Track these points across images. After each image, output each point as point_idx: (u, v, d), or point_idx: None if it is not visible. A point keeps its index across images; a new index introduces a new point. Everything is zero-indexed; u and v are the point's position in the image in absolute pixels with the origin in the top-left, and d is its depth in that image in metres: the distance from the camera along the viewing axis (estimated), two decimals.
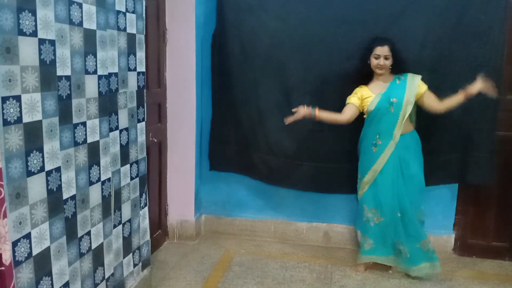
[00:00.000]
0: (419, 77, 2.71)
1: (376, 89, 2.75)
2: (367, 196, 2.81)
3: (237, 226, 3.43)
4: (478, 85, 2.54)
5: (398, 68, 2.73)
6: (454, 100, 2.63)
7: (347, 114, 2.75)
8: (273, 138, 3.14)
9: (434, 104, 2.70)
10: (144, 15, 2.31)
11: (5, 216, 1.40)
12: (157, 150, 3.09)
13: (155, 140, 3.01)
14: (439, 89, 2.87)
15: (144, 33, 2.32)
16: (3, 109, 1.39)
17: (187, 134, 3.20)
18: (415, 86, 2.68)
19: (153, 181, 3.05)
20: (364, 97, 2.76)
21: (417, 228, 2.76)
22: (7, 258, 1.42)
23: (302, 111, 2.67)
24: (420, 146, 2.81)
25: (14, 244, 1.47)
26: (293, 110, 2.70)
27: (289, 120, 2.69)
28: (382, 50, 2.66)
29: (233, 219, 3.43)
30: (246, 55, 3.07)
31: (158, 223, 3.21)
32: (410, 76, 2.72)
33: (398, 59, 2.71)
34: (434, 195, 3.10)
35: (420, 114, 2.85)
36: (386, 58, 2.67)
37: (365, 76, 2.80)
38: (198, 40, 3.12)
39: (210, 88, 3.28)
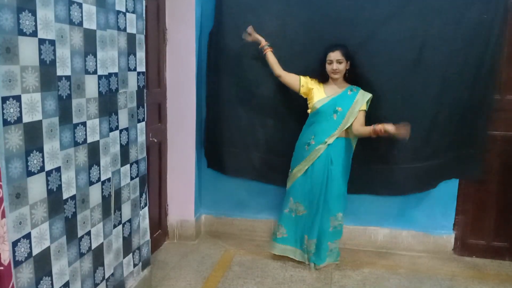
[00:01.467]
0: (368, 96, 2.80)
1: (329, 91, 2.86)
2: (294, 189, 2.93)
3: (237, 226, 3.43)
4: (389, 128, 2.57)
5: (354, 74, 2.83)
6: (365, 131, 2.72)
7: (287, 75, 2.88)
8: (272, 138, 3.14)
9: (356, 125, 2.78)
10: (144, 15, 2.31)
11: (3, 216, 1.40)
12: (157, 150, 3.09)
13: (155, 140, 3.01)
14: (440, 89, 2.88)
15: (144, 33, 2.32)
16: (3, 109, 1.39)
17: (187, 134, 3.20)
18: (362, 103, 2.78)
19: (153, 181, 3.05)
20: (312, 89, 2.85)
21: (327, 229, 2.88)
22: (5, 258, 1.42)
23: (256, 36, 2.87)
24: (349, 153, 2.90)
25: (14, 244, 1.47)
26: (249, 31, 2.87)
27: (246, 36, 2.88)
28: (334, 55, 2.76)
29: (233, 219, 3.43)
30: (245, 55, 3.06)
31: (158, 223, 3.21)
32: (361, 92, 2.82)
33: (352, 64, 2.81)
34: (434, 195, 3.11)
35: (418, 114, 2.88)
36: (339, 62, 2.77)
37: (320, 76, 2.89)
38: (198, 40, 3.12)
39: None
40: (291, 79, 2.88)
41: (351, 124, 2.79)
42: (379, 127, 2.61)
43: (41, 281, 1.61)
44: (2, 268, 1.41)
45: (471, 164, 2.99)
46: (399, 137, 2.61)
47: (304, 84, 2.87)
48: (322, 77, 2.88)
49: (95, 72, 1.87)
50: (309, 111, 2.90)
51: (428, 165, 2.96)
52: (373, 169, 3.02)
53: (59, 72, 1.65)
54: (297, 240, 2.99)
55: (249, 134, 3.17)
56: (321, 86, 2.88)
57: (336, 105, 2.80)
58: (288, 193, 2.99)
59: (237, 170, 3.26)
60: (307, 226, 2.93)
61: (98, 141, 1.93)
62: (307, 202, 2.91)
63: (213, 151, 3.31)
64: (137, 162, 2.33)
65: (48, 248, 1.64)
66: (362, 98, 2.79)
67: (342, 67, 2.78)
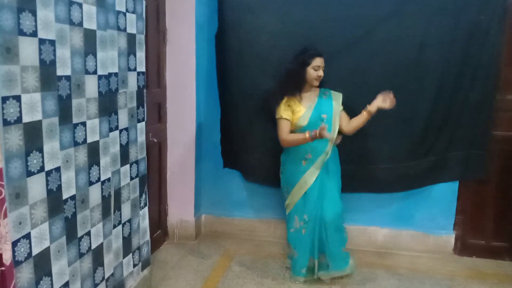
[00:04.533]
0: (340, 95, 2.71)
1: (306, 102, 2.66)
2: (299, 207, 2.70)
3: (237, 226, 3.43)
4: (376, 102, 2.53)
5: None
6: (360, 120, 2.60)
7: (288, 134, 2.63)
8: (272, 138, 3.13)
9: (344, 124, 2.67)
10: (144, 15, 2.31)
11: (5, 216, 1.40)
12: (157, 150, 3.09)
13: (155, 140, 3.01)
14: (438, 89, 2.88)
15: (144, 33, 2.32)
16: (3, 109, 1.39)
17: (187, 134, 3.21)
18: (339, 103, 2.67)
19: (153, 181, 3.05)
20: (295, 111, 2.63)
21: (342, 233, 2.74)
22: (7, 258, 1.42)
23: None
24: (338, 155, 2.78)
25: (14, 244, 1.47)
26: None
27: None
28: (321, 61, 2.60)
29: (233, 219, 3.43)
30: (246, 55, 3.06)
31: (158, 223, 3.22)
32: (334, 92, 2.71)
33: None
34: (434, 195, 3.11)
35: (414, 113, 2.90)
36: (323, 69, 2.62)
37: (294, 88, 2.66)
38: (198, 40, 3.12)
39: (208, 88, 3.27)
40: (290, 132, 2.63)
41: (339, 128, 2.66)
42: (371, 109, 2.53)
43: (41, 281, 1.61)
44: (3, 268, 1.41)
45: (474, 165, 2.98)
46: (387, 108, 2.53)
47: (290, 118, 2.62)
48: (296, 88, 2.63)
49: (95, 72, 1.87)
50: (291, 128, 2.66)
51: (426, 162, 2.98)
52: (370, 168, 3.02)
53: (59, 72, 1.65)
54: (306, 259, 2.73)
55: (251, 135, 3.15)
56: (295, 101, 2.64)
57: (320, 112, 2.63)
58: (291, 213, 2.74)
59: (251, 175, 3.25)
60: (318, 241, 2.68)
61: (98, 141, 1.93)
62: (309, 218, 2.68)
63: (229, 152, 3.31)
64: (137, 162, 2.33)
65: (48, 248, 1.64)
66: (337, 100, 2.67)
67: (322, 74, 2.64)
